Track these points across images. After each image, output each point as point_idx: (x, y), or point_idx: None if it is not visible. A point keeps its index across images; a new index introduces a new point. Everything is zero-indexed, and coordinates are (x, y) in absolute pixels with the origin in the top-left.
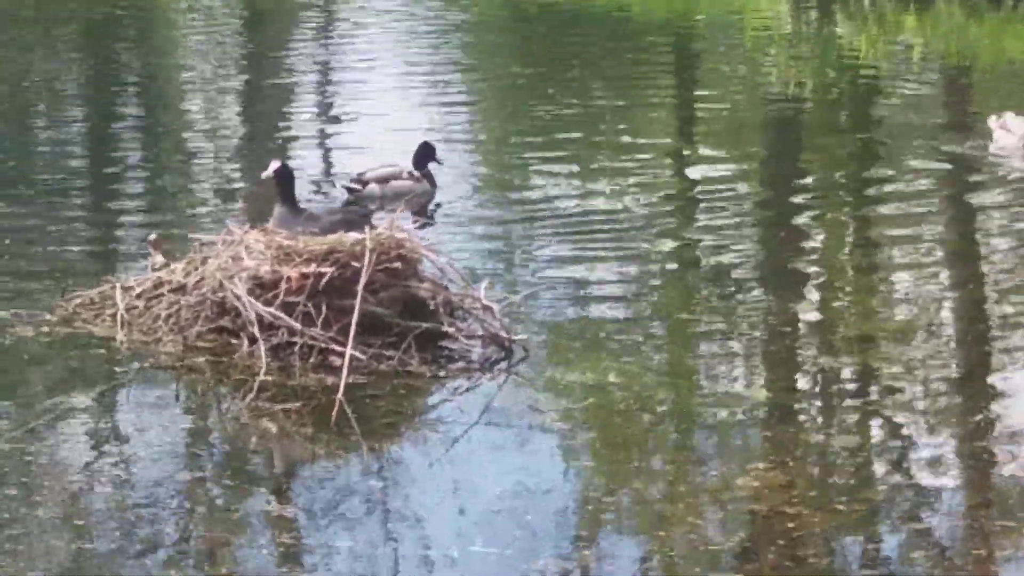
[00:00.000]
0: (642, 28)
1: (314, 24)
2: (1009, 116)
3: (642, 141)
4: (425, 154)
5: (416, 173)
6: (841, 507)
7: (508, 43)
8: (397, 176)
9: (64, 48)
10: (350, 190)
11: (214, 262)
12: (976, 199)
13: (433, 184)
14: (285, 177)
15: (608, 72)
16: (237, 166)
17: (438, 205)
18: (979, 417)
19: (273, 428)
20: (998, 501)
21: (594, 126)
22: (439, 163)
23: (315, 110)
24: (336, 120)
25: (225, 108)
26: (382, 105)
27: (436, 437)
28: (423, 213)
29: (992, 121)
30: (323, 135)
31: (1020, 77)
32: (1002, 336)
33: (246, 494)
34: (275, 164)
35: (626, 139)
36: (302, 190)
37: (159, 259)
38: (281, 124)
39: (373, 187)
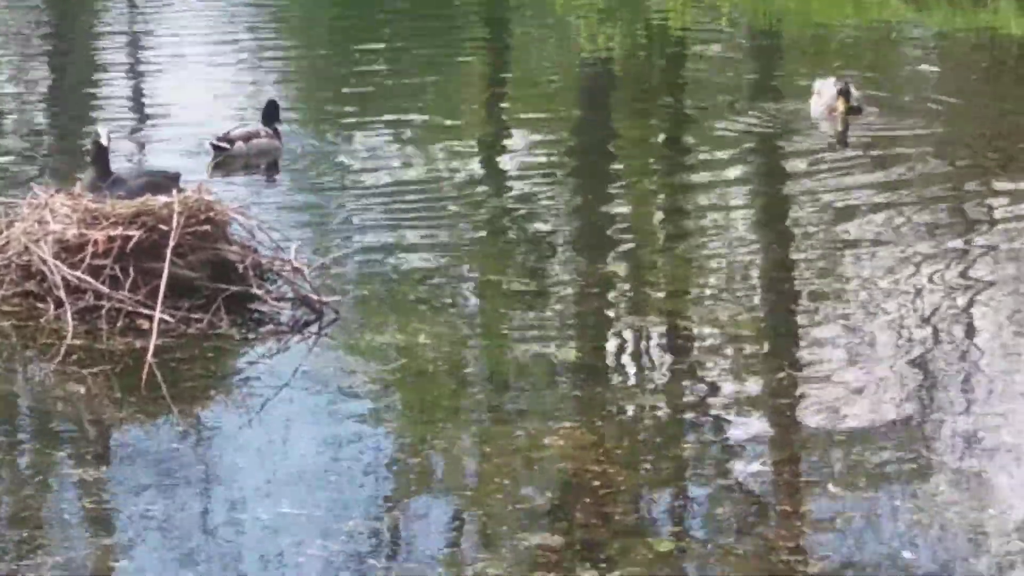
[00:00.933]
0: None
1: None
2: (819, 80)
3: (456, 108)
4: (272, 112)
5: (270, 131)
6: (648, 465)
7: (318, 17)
8: (258, 134)
9: None
10: (217, 148)
11: (19, 226)
12: (786, 163)
13: (280, 141)
14: (94, 142)
15: (419, 41)
16: (43, 128)
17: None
18: (784, 374)
19: (81, 392)
20: (804, 456)
21: (408, 97)
22: (280, 123)
23: (125, 74)
24: (143, 85)
25: (34, 71)
26: (195, 76)
27: (247, 400)
28: (276, 170)
29: (816, 85)
30: (133, 99)
31: (827, 41)
32: (808, 297)
33: (54, 459)
34: (104, 130)
35: (440, 107)
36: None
37: None
38: (91, 88)
39: (240, 145)
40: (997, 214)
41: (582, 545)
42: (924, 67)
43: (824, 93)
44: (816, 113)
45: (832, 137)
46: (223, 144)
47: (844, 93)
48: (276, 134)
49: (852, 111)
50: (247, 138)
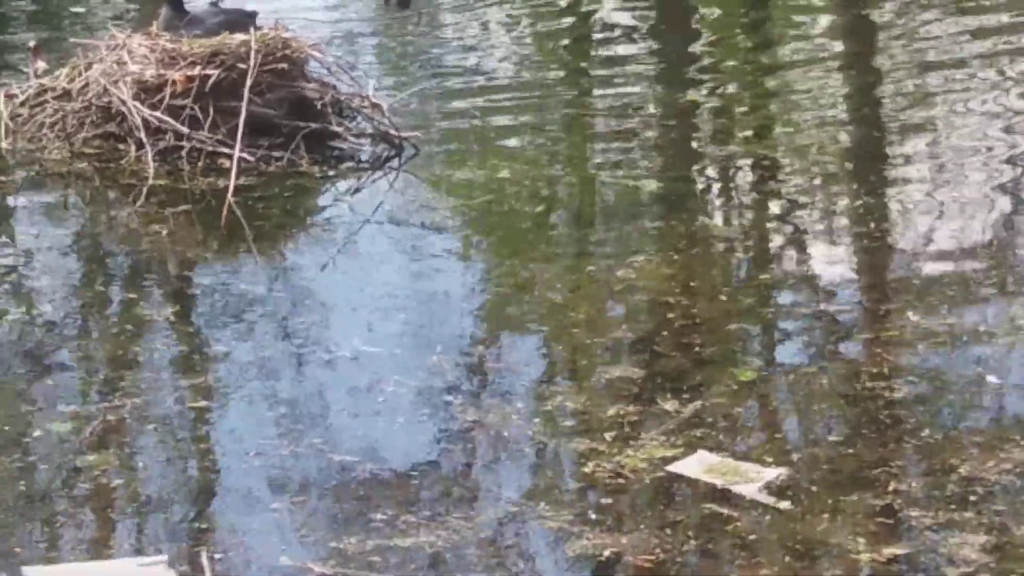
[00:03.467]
0: None
1: None
2: None
3: None
4: None
5: None
6: (731, 296)
7: None
8: None
9: None
10: None
11: (98, 67)
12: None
13: None
14: None
15: None
16: None
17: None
18: (869, 200)
19: (163, 232)
20: (889, 281)
21: None
22: None
23: None
24: None
25: None
26: None
27: (328, 236)
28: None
29: None
30: None
31: None
32: (896, 127)
33: (137, 300)
34: None
35: None
36: None
37: (41, 65)
38: None
39: None
40: None
41: (663, 376)
42: None
43: None
44: None
45: None
46: None
47: None
48: None
49: None
50: None
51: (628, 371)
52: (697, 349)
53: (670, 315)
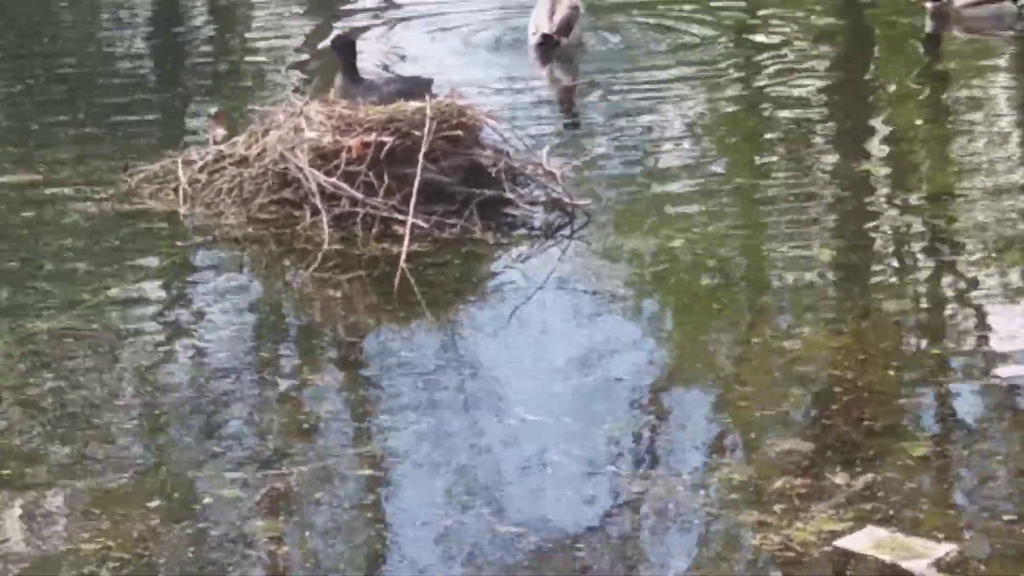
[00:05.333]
0: None
1: None
2: None
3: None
4: None
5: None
6: (904, 367)
7: None
8: (568, 21)
9: None
10: (544, 41)
11: (275, 134)
12: None
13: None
14: (345, 47)
15: None
16: (301, 39)
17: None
18: None
19: (338, 297)
20: None
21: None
22: None
23: None
24: None
25: None
26: None
27: (500, 303)
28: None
29: None
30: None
31: None
32: None
33: (315, 365)
34: (334, 34)
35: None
36: (367, 62)
37: (221, 132)
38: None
39: (565, 40)
40: None
41: (833, 449)
42: None
43: None
44: None
45: None
46: (552, 36)
47: None
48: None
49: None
50: (566, 27)
51: (797, 444)
52: (867, 422)
53: (839, 388)
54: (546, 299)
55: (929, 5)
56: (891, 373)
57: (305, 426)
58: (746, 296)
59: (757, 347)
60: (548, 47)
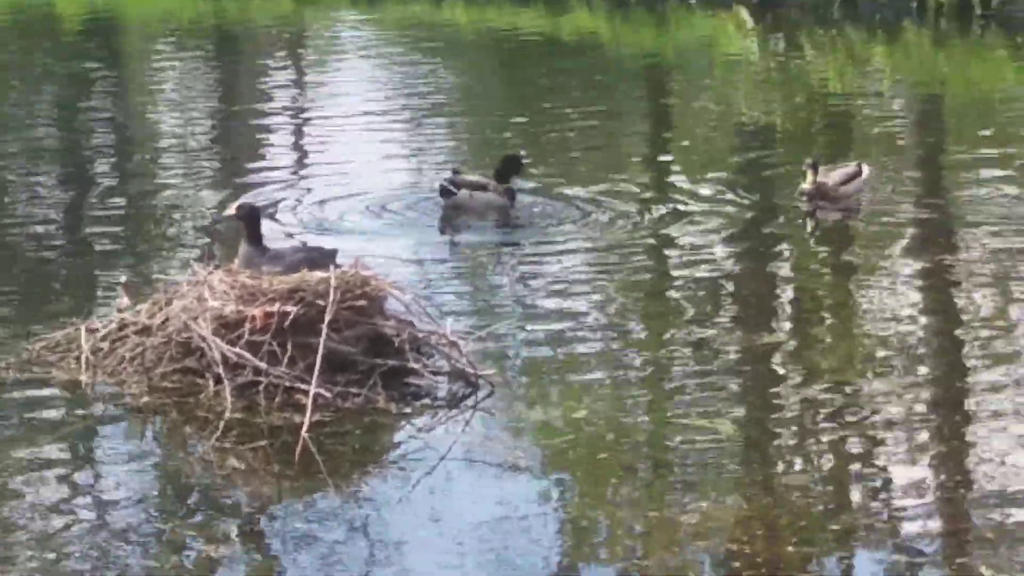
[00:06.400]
0: (616, 58)
1: (284, 56)
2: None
3: (619, 174)
4: (509, 168)
5: (500, 187)
6: (813, 539)
7: (482, 74)
8: (486, 187)
9: (33, 91)
10: (445, 191)
11: (179, 303)
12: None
13: (513, 199)
14: (250, 216)
15: (583, 103)
16: (210, 205)
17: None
18: (953, 445)
19: (240, 467)
20: (973, 518)
21: (567, 162)
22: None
23: (288, 148)
24: (306, 157)
25: (196, 146)
26: (355, 141)
27: (403, 474)
28: (506, 225)
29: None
30: (294, 173)
31: (988, 104)
32: (981, 363)
33: (216, 536)
34: (238, 202)
35: (603, 172)
36: (272, 229)
37: (125, 301)
38: (253, 163)
39: (464, 193)
40: None
41: None
42: None
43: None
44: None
45: None
46: (451, 188)
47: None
48: (508, 192)
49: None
50: (476, 187)
51: None
52: None
53: (738, 563)
54: (450, 470)
55: (806, 187)
56: (791, 548)
57: None
58: (648, 468)
59: (659, 521)
60: (447, 196)
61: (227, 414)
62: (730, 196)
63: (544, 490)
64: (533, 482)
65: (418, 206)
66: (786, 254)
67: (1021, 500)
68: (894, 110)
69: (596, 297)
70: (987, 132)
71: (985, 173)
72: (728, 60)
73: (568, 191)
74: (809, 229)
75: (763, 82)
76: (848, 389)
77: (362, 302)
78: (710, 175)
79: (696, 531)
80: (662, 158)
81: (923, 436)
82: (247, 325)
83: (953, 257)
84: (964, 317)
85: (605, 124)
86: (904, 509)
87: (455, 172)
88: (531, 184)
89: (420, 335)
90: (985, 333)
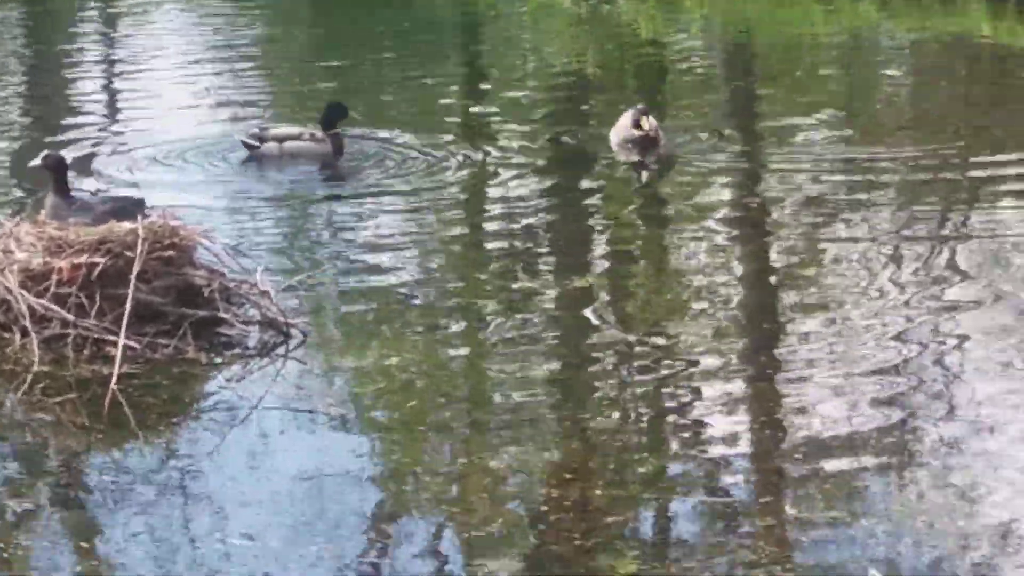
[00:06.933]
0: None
1: (96, 7)
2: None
3: (432, 125)
4: (333, 115)
5: (319, 134)
6: (624, 483)
7: (298, 29)
8: (297, 136)
9: None
10: (248, 146)
11: None
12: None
13: (340, 147)
14: (57, 166)
15: (398, 52)
16: (14, 155)
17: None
18: (761, 387)
19: (48, 420)
20: (787, 466)
21: (382, 112)
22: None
23: (99, 99)
24: (118, 109)
25: (3, 95)
26: (168, 92)
27: (215, 425)
28: (331, 172)
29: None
30: (105, 125)
31: (797, 49)
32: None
33: (22, 490)
34: (45, 152)
35: (415, 123)
36: (80, 179)
37: None
38: (63, 116)
39: (271, 145)
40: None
41: (543, 570)
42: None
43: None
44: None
45: None
46: (252, 142)
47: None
48: (333, 138)
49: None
50: (281, 139)
51: (507, 564)
52: (578, 541)
53: (548, 506)
54: (262, 419)
55: (637, 133)
56: (599, 492)
57: (5, 555)
58: (460, 414)
59: (470, 466)
60: (251, 150)
61: (35, 367)
62: (544, 144)
63: (358, 438)
64: (347, 430)
65: (232, 156)
66: (602, 203)
67: (831, 446)
68: (704, 54)
69: (412, 248)
70: (797, 75)
71: (796, 119)
72: (541, 5)
73: (386, 141)
74: (632, 177)
75: (575, 28)
76: (663, 339)
77: (171, 252)
78: (526, 123)
79: (507, 476)
80: (478, 108)
81: (737, 385)
82: (54, 277)
83: (767, 204)
84: (778, 265)
85: (418, 74)
86: (716, 455)
87: (262, 129)
88: (356, 130)
89: (230, 285)
90: (800, 281)
